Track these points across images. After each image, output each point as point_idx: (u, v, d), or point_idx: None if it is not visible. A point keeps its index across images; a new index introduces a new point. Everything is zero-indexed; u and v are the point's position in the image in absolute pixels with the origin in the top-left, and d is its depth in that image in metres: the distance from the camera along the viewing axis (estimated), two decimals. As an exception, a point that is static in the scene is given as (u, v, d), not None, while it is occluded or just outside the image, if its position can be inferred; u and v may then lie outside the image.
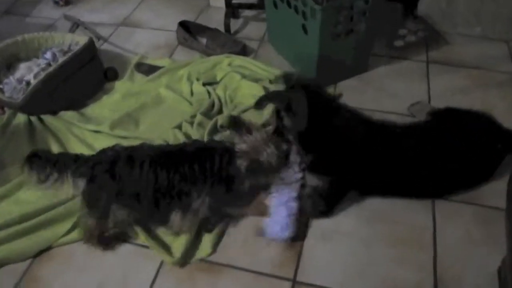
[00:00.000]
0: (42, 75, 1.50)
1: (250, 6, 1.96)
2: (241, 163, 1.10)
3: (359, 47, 1.61)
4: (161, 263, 1.18)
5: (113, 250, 1.21)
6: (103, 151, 1.14)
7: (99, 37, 1.95)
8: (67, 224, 1.23)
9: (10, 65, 1.68)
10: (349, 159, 1.21)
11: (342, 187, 1.27)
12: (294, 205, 1.21)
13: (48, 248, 1.21)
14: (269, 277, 1.14)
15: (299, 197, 1.23)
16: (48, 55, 1.64)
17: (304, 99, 1.17)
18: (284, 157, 1.18)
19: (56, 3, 2.23)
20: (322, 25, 1.43)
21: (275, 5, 1.67)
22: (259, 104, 1.23)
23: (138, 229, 1.21)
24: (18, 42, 1.69)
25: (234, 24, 2.00)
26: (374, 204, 1.29)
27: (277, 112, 1.23)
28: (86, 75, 1.62)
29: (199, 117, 1.48)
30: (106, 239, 1.20)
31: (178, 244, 1.19)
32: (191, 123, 1.47)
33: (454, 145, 1.23)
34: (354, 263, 1.16)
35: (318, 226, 1.25)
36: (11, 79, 1.58)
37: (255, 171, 1.11)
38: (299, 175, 1.27)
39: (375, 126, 1.25)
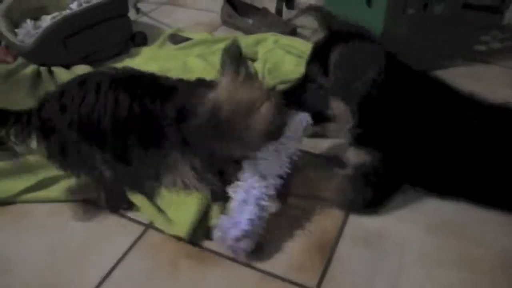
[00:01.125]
0: (58, 17, 1.31)
1: (307, -10, 1.73)
2: (203, 111, 0.76)
3: (434, 32, 1.31)
4: (140, 236, 0.87)
5: (86, 215, 0.93)
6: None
7: (138, 10, 1.78)
8: (29, 180, 0.97)
9: (37, 18, 1.52)
10: (419, 134, 0.87)
11: (402, 171, 0.91)
12: (266, 206, 0.81)
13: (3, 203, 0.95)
14: (281, 281, 0.80)
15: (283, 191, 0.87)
16: (75, 5, 1.47)
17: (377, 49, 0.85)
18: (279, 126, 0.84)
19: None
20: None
21: (336, -20, 1.42)
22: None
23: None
24: (48, -6, 1.55)
25: (288, 14, 1.78)
26: (443, 211, 0.93)
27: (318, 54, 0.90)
28: (110, 31, 1.42)
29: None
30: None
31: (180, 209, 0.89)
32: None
33: None
34: (405, 283, 0.79)
35: (359, 224, 0.90)
36: (28, 23, 1.41)
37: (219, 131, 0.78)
38: (294, 153, 0.88)
39: (465, 99, 0.91)
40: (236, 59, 0.80)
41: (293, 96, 0.92)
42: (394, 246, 0.86)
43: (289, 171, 0.86)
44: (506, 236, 0.87)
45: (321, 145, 1.08)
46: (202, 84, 0.86)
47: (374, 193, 0.89)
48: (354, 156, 0.92)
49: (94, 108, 0.81)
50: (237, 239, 0.78)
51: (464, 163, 0.88)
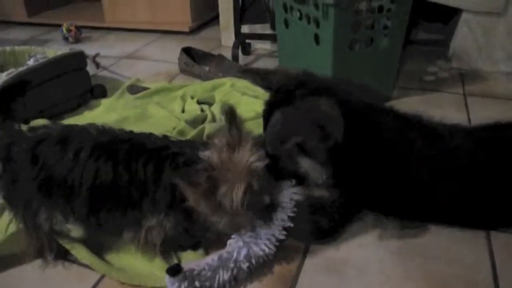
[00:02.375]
0: (14, 73, 1.32)
1: (260, 37, 1.80)
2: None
3: (382, 65, 1.37)
4: (96, 284, 0.83)
5: (35, 268, 0.88)
6: (34, 129, 0.83)
7: (97, 65, 1.81)
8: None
9: (-7, 76, 1.52)
10: (377, 164, 0.88)
11: (359, 200, 0.92)
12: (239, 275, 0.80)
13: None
14: (243, 319, 0.77)
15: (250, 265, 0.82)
16: (31, 61, 1.48)
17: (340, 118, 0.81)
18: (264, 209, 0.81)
19: (66, 39, 2.16)
20: (336, 26, 1.21)
21: (286, 24, 1.49)
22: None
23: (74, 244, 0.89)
24: (6, 52, 1.56)
25: (244, 59, 1.84)
26: (404, 233, 0.92)
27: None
28: (67, 85, 1.43)
29: (181, 125, 1.21)
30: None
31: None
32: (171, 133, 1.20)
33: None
34: (372, 307, 0.77)
35: (320, 253, 0.88)
36: (-17, 81, 1.40)
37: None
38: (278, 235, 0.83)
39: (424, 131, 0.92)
40: (231, 123, 0.77)
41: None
42: (358, 271, 0.84)
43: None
44: (469, 252, 0.87)
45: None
46: (195, 147, 0.81)
47: (330, 223, 0.89)
48: (311, 190, 0.92)
49: (69, 174, 0.77)
50: None
51: (422, 185, 0.89)
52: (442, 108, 1.39)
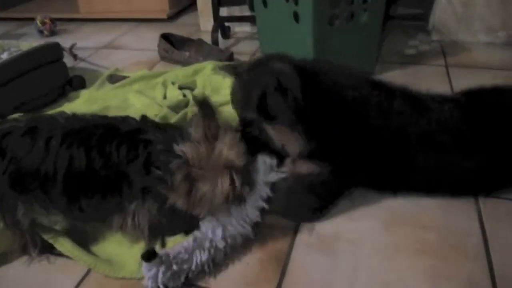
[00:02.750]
0: (-14, 68, 1.28)
1: (240, 19, 1.77)
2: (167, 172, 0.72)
3: (363, 41, 1.36)
4: (84, 276, 0.82)
5: (21, 261, 0.86)
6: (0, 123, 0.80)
7: (75, 56, 1.76)
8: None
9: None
10: (363, 140, 0.87)
11: (347, 177, 0.91)
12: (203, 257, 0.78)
13: None
14: (237, 298, 0.76)
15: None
16: (5, 55, 1.43)
17: (293, 71, 0.82)
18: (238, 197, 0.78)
19: (41, 32, 2.10)
20: (315, 2, 1.19)
21: (265, 3, 1.47)
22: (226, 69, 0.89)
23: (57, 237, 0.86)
24: (-22, 48, 1.51)
25: (224, 43, 1.81)
26: (390, 205, 0.93)
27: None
28: (44, 78, 1.39)
29: (164, 111, 1.19)
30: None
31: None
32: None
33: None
34: (364, 278, 0.77)
35: (312, 230, 0.88)
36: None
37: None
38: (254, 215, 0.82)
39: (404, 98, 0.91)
40: (206, 114, 0.75)
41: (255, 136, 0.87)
42: (349, 245, 0.84)
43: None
44: (459, 219, 0.88)
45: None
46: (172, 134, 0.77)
47: (319, 201, 0.88)
48: (299, 167, 0.90)
49: (41, 164, 0.75)
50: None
51: (409, 161, 0.88)
52: (425, 80, 1.39)
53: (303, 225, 0.89)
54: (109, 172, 0.76)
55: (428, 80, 1.40)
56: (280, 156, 0.88)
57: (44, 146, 0.75)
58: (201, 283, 0.78)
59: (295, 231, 0.88)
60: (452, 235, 0.84)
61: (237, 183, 0.74)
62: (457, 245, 0.82)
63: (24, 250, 0.85)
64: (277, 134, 0.86)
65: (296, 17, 1.31)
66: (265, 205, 0.81)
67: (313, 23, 1.24)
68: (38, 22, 2.09)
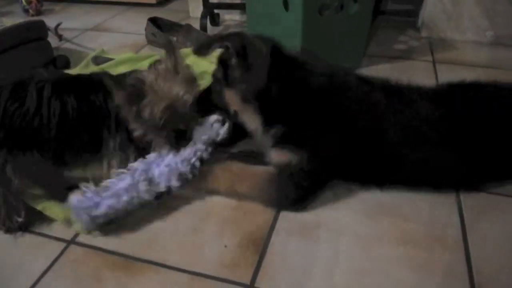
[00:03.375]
0: (-34, 43, 1.24)
1: (229, 6, 1.75)
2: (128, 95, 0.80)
3: (351, 32, 1.35)
4: (60, 255, 0.80)
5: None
6: None
7: (60, 36, 1.72)
8: None
9: None
10: (342, 131, 0.87)
11: (327, 167, 0.90)
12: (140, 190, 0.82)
13: None
14: (213, 280, 0.75)
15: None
16: (-15, 31, 1.39)
17: (263, 46, 0.86)
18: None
19: (26, 11, 2.06)
20: (305, -9, 1.19)
21: (255, -9, 1.45)
22: (202, 48, 0.90)
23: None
24: (-42, 23, 1.47)
25: (213, 30, 1.79)
26: (374, 197, 0.92)
27: (221, 61, 0.91)
28: (27, 55, 1.36)
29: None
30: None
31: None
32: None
33: (492, 122, 0.90)
34: (344, 267, 0.77)
35: (293, 217, 0.87)
36: None
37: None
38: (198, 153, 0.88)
39: (385, 89, 0.92)
40: (170, 54, 0.84)
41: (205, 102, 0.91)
42: (330, 233, 0.84)
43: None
44: (440, 212, 0.88)
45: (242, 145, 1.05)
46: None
47: (298, 191, 0.87)
48: (277, 156, 0.89)
49: (35, 116, 0.77)
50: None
51: (390, 152, 0.88)
52: (412, 75, 1.38)
53: (284, 212, 0.89)
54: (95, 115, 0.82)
55: (415, 75, 1.40)
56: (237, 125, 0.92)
57: (36, 97, 0.77)
58: (176, 263, 0.77)
59: (276, 217, 0.87)
60: (432, 227, 0.84)
61: (177, 110, 0.82)
62: (436, 236, 0.82)
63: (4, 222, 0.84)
64: (231, 100, 0.90)
65: (286, 5, 1.29)
66: (197, 163, 0.86)
67: (303, 12, 1.23)
68: (23, 1, 2.05)
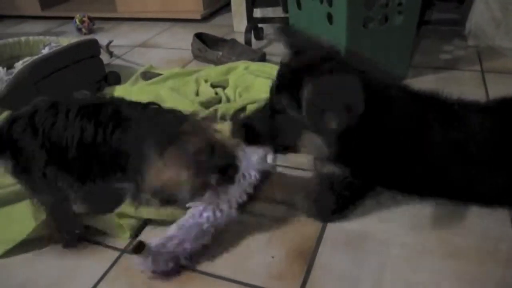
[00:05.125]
0: (29, 61, 1.33)
1: (273, 20, 1.79)
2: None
3: (396, 44, 1.34)
4: (114, 263, 0.84)
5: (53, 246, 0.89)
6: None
7: (111, 54, 1.82)
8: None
9: (11, 66, 1.53)
10: (390, 144, 0.85)
11: (369, 179, 0.89)
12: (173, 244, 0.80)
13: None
14: (262, 291, 0.77)
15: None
16: (46, 50, 1.49)
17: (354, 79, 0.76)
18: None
19: (79, 30, 2.18)
20: (349, 4, 1.20)
21: (299, 5, 1.48)
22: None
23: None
24: (21, 43, 1.58)
25: (257, 44, 1.83)
26: (419, 207, 0.91)
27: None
28: (81, 72, 1.44)
29: (195, 106, 1.21)
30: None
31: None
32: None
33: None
34: (390, 279, 0.76)
35: (339, 228, 0.88)
36: (0, 70, 1.42)
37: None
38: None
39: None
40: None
41: (255, 127, 0.85)
42: (377, 245, 0.83)
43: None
44: (491, 225, 0.85)
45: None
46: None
47: (338, 201, 0.87)
48: (320, 167, 0.89)
49: (63, 135, 0.80)
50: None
51: (439, 166, 0.86)
52: (459, 86, 1.36)
53: (331, 223, 0.89)
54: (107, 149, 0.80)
55: (462, 86, 1.37)
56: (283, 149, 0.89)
57: (65, 117, 0.80)
58: (225, 273, 0.80)
59: (323, 228, 0.88)
60: (483, 241, 0.82)
61: (214, 144, 0.78)
62: (488, 250, 0.80)
63: (57, 236, 0.89)
64: (312, 142, 0.83)
65: (330, 18, 1.31)
66: (251, 191, 0.88)
67: (347, 24, 1.24)
68: (77, 21, 2.17)
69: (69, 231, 0.89)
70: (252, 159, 0.88)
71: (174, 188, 0.77)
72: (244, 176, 0.88)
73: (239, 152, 0.82)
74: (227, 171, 0.80)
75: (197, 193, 0.79)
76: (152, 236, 0.82)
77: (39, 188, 0.84)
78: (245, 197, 0.88)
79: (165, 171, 0.76)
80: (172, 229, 0.82)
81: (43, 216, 0.87)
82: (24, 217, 0.91)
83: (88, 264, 0.85)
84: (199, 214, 0.82)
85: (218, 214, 0.83)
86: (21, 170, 0.83)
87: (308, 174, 0.93)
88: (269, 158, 0.90)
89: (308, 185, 0.90)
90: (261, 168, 0.88)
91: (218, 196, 0.82)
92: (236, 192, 0.86)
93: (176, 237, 0.80)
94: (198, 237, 0.81)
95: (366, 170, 0.87)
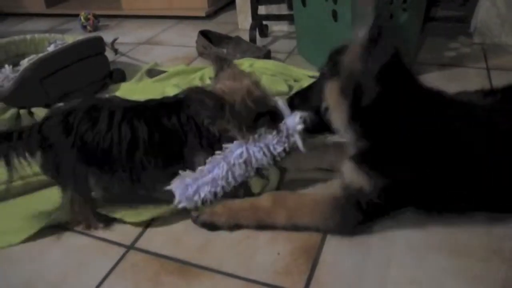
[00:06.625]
0: (35, 58, 1.34)
1: (277, 17, 1.79)
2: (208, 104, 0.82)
3: (401, 40, 1.34)
4: (120, 259, 0.85)
5: (60, 242, 0.90)
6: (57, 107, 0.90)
7: (116, 51, 1.82)
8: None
9: (17, 64, 1.54)
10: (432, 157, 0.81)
11: (399, 199, 0.86)
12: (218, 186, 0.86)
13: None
14: (266, 287, 0.77)
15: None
16: (52, 47, 1.50)
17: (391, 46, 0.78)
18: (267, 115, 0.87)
19: (84, 28, 2.19)
20: (354, 1, 1.20)
21: (303, 2, 1.48)
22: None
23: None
24: (27, 40, 1.59)
25: (262, 42, 1.83)
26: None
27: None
28: (87, 69, 1.45)
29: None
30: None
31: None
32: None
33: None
34: (395, 275, 0.77)
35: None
36: (7, 68, 1.43)
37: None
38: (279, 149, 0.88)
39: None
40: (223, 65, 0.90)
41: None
42: (381, 241, 0.84)
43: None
44: (495, 222, 0.85)
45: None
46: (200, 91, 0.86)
47: (364, 219, 0.85)
48: (350, 174, 0.84)
49: (106, 136, 0.83)
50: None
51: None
52: (465, 83, 1.36)
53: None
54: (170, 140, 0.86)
55: (468, 83, 1.36)
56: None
57: (108, 120, 0.83)
58: (231, 269, 0.80)
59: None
60: (488, 239, 0.82)
61: (255, 92, 0.85)
62: (493, 248, 0.80)
63: (84, 224, 0.92)
64: (329, 93, 0.85)
65: (335, 15, 1.31)
66: (287, 147, 0.88)
67: (352, 21, 1.24)
68: (82, 18, 2.18)
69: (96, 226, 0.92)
70: (294, 121, 0.88)
71: (231, 95, 0.83)
72: (283, 131, 0.88)
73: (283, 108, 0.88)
74: (272, 116, 0.87)
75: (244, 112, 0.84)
76: (154, 236, 0.84)
77: (67, 182, 0.87)
78: (280, 149, 0.88)
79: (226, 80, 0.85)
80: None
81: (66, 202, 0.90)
82: (44, 204, 0.96)
83: (95, 260, 0.86)
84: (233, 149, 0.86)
85: (252, 153, 0.86)
86: (51, 166, 0.85)
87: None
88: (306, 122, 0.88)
89: (327, 200, 0.86)
90: (297, 128, 0.87)
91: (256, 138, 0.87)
92: (273, 141, 0.87)
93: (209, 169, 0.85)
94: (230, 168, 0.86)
95: (395, 184, 0.82)
